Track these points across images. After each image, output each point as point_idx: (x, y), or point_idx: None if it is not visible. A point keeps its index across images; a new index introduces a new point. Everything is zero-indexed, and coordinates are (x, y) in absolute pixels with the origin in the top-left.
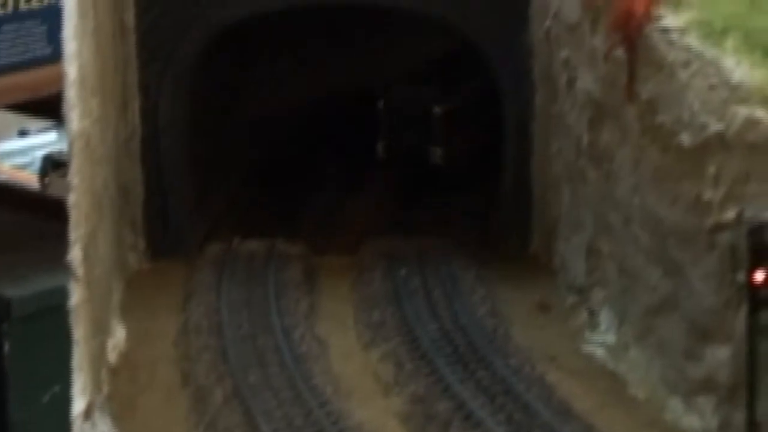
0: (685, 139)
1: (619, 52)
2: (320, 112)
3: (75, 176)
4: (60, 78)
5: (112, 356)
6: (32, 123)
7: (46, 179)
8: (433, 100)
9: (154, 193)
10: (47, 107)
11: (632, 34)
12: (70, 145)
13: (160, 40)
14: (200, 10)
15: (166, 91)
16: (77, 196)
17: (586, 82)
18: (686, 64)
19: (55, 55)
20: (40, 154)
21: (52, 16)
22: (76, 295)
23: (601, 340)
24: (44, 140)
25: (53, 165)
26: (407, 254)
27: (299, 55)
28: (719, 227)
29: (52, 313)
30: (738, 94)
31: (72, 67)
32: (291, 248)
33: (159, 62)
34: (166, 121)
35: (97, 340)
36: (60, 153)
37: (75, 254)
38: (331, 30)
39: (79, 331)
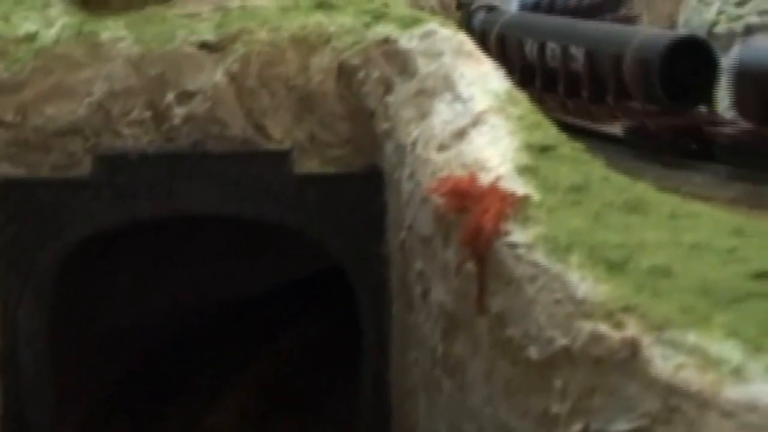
0: (533, 352)
1: (470, 266)
2: (188, 321)
3: None
4: None
5: None
6: None
7: None
8: None
9: (12, 407)
10: None
11: (481, 249)
12: None
13: (18, 253)
14: (58, 224)
15: (26, 304)
16: None
17: (440, 293)
18: (533, 278)
19: None
20: None
21: None
22: None
23: None
24: None
25: None
26: None
27: (166, 264)
28: None
29: None
30: (582, 309)
31: None
32: None
33: (18, 275)
34: (25, 333)
35: None
36: None
37: None
38: (198, 238)
39: None
